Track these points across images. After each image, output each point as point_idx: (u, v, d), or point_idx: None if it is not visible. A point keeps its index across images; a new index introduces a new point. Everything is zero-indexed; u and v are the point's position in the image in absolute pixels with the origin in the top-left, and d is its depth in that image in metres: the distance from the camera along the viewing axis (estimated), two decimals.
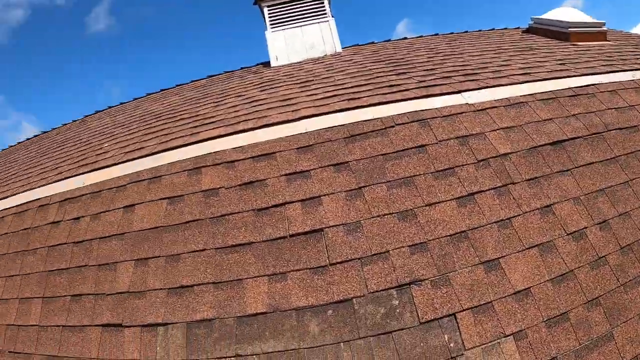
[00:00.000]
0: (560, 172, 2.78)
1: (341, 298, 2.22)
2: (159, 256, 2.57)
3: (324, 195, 2.51)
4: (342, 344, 2.11)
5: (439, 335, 2.11)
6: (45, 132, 8.27)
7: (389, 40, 6.74)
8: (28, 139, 8.76)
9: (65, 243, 3.11)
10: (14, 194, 4.19)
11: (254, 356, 2.19)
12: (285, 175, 2.63)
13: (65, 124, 7.72)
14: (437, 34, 6.87)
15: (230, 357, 2.21)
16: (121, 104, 7.10)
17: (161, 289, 2.48)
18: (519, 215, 2.50)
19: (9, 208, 4.09)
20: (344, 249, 2.34)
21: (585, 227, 2.55)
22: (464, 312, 2.18)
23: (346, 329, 2.14)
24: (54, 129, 8.00)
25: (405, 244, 2.32)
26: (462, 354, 2.08)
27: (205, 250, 2.47)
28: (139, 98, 6.95)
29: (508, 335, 2.15)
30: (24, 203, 3.91)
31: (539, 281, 2.31)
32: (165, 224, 2.66)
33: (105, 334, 2.56)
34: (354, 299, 2.20)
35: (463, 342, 2.10)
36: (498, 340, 2.12)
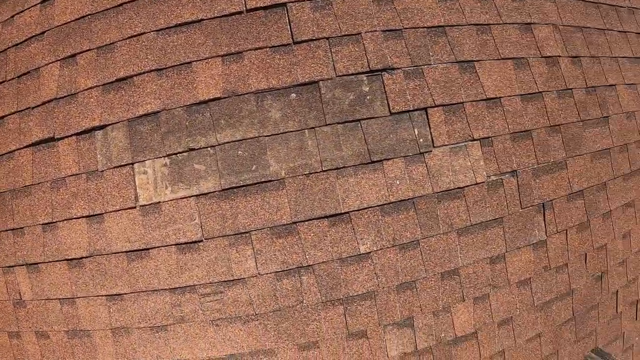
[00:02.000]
0: None
1: (306, 80, 1.99)
2: (88, 49, 2.17)
3: None
4: (306, 130, 1.97)
5: (409, 129, 2.06)
6: None
7: None
8: None
9: None
10: None
11: (209, 148, 1.93)
12: None
13: None
14: None
15: (181, 152, 1.94)
16: None
17: (95, 86, 2.10)
18: (499, 24, 2.38)
19: None
20: (310, 26, 2.05)
21: (559, 56, 2.52)
22: (436, 108, 2.12)
23: (311, 114, 1.98)
24: None
25: (379, 28, 2.11)
26: (430, 151, 2.08)
27: (145, 34, 2.08)
28: None
29: (476, 140, 2.16)
30: None
31: (510, 93, 2.29)
32: (93, 11, 2.21)
33: (37, 153, 2.23)
34: (321, 82, 2.00)
35: (432, 139, 2.09)
36: (465, 143, 2.14)
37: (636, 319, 2.93)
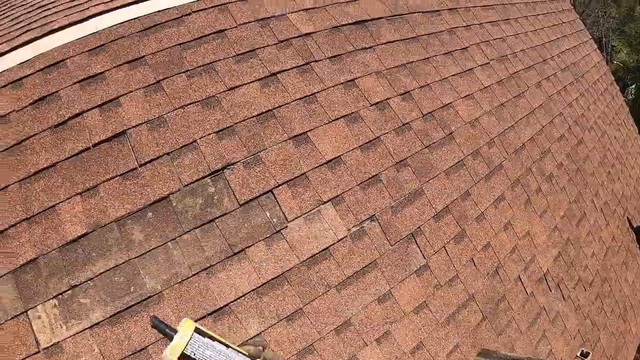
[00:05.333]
0: (362, 49, 2.81)
1: (157, 197, 2.08)
2: None
3: (122, 95, 2.26)
4: (169, 243, 2.02)
5: (261, 213, 2.15)
6: None
7: None
8: None
9: None
10: None
11: (89, 281, 1.96)
12: (78, 82, 2.30)
13: None
14: None
15: (66, 291, 1.96)
16: None
17: None
18: (323, 90, 2.50)
19: None
20: (150, 147, 2.15)
21: (388, 98, 2.66)
22: (280, 187, 2.21)
23: (169, 227, 2.04)
24: None
25: (212, 130, 2.23)
26: (286, 226, 2.15)
27: (9, 187, 2.14)
28: None
29: (326, 202, 2.27)
30: None
31: (348, 149, 2.42)
32: None
33: None
34: (171, 196, 2.09)
35: (285, 215, 2.17)
36: (318, 208, 2.24)
37: (550, 290, 3.03)
